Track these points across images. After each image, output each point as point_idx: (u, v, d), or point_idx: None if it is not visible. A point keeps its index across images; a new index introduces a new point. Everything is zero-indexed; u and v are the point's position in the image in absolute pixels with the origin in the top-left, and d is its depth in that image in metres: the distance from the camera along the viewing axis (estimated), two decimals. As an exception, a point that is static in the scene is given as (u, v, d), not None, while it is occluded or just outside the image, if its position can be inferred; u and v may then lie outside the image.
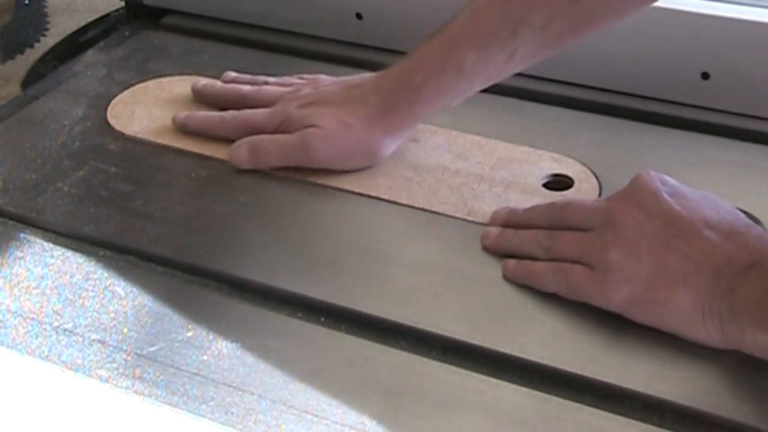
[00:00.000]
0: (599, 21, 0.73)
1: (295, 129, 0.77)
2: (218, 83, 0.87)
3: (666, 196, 0.64)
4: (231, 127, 0.80)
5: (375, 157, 0.77)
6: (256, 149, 0.77)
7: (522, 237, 0.68)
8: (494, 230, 0.70)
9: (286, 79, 0.84)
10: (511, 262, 0.67)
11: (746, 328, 0.58)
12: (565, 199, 0.71)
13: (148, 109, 0.86)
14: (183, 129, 0.82)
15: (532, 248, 0.67)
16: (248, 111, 0.81)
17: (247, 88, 0.84)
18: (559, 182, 0.77)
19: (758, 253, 0.59)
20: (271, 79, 0.85)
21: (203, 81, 0.87)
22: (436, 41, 0.74)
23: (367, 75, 0.79)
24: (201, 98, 0.86)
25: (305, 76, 0.84)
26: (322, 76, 0.83)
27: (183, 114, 0.83)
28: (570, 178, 0.76)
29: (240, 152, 0.78)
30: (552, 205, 0.69)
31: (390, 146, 0.77)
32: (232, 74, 0.87)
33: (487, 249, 0.69)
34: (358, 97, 0.76)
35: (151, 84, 0.89)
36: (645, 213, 0.63)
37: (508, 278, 0.67)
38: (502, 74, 0.75)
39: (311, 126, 0.76)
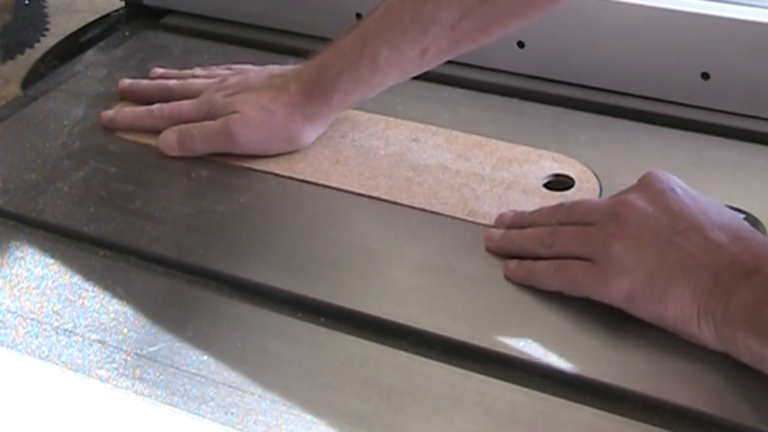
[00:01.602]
0: (508, 21, 0.75)
1: (221, 116, 0.79)
2: (144, 81, 0.88)
3: (674, 194, 0.64)
4: (160, 119, 0.82)
5: (296, 143, 0.80)
6: (182, 136, 0.80)
7: (525, 236, 0.68)
8: (498, 232, 0.70)
9: (214, 70, 0.87)
10: (513, 262, 0.67)
11: (738, 332, 0.58)
12: (572, 200, 0.71)
13: None
14: (111, 125, 0.83)
15: (534, 246, 0.67)
16: (176, 103, 0.83)
17: (173, 81, 0.86)
18: (559, 182, 0.76)
19: (761, 259, 0.59)
20: (198, 71, 0.87)
21: (128, 80, 0.88)
22: (351, 36, 0.77)
23: (290, 66, 0.82)
24: (129, 96, 0.87)
25: (233, 66, 0.87)
26: (249, 66, 0.86)
27: (110, 111, 0.84)
28: (571, 178, 0.76)
29: (168, 139, 0.80)
30: (559, 206, 0.69)
31: (310, 133, 0.80)
32: (160, 70, 0.89)
33: (490, 251, 0.69)
34: (280, 85, 0.79)
35: None
36: (652, 208, 0.63)
37: (510, 279, 0.67)
38: (416, 70, 0.78)
39: (234, 113, 0.78)
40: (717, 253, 0.60)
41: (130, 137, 0.82)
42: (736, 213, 0.65)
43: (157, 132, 0.82)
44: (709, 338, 0.60)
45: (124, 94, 0.87)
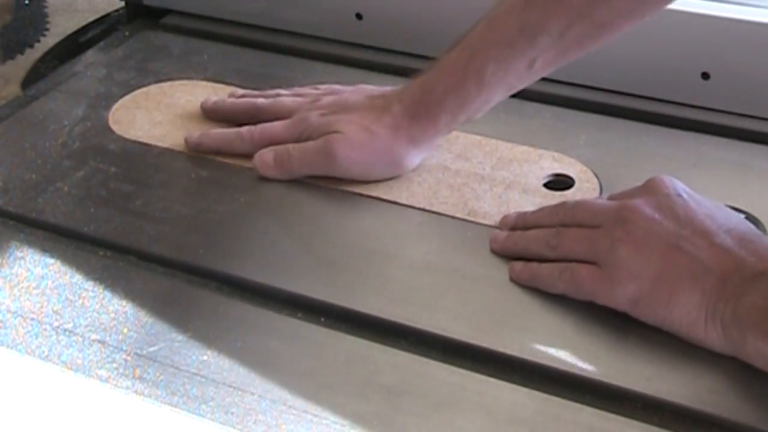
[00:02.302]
0: (617, 25, 0.72)
1: (318, 137, 0.76)
2: (229, 99, 0.84)
3: (680, 199, 0.64)
4: (250, 142, 0.78)
5: (399, 167, 0.76)
6: (279, 156, 0.76)
7: (529, 237, 0.68)
8: (502, 233, 0.70)
9: (301, 90, 0.83)
10: (518, 264, 0.67)
11: (748, 335, 0.58)
12: (575, 199, 0.71)
13: (149, 113, 0.86)
14: (198, 149, 0.80)
15: (539, 248, 0.67)
16: (267, 124, 0.79)
17: (261, 100, 0.82)
18: (560, 182, 0.77)
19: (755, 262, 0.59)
20: (283, 91, 0.83)
21: (213, 98, 0.85)
22: (455, 53, 0.74)
23: (387, 88, 0.79)
24: (213, 116, 0.84)
25: (320, 87, 0.83)
26: (338, 86, 0.82)
27: (196, 133, 0.80)
28: (571, 178, 0.76)
29: (265, 158, 0.77)
30: (562, 205, 0.69)
31: (415, 157, 0.76)
32: (241, 92, 0.86)
33: (495, 252, 0.69)
34: (382, 106, 0.76)
35: (153, 89, 0.89)
36: (658, 213, 0.63)
37: (515, 281, 0.67)
38: (523, 83, 0.74)
39: (335, 132, 0.75)
40: (724, 257, 0.60)
41: (130, 137, 0.83)
42: (742, 217, 0.65)
43: (161, 130, 0.81)
44: (716, 342, 0.60)
45: (207, 114, 0.84)
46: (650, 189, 0.65)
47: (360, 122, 0.75)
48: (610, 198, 0.68)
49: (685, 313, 0.60)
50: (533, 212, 0.71)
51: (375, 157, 0.75)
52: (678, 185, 0.65)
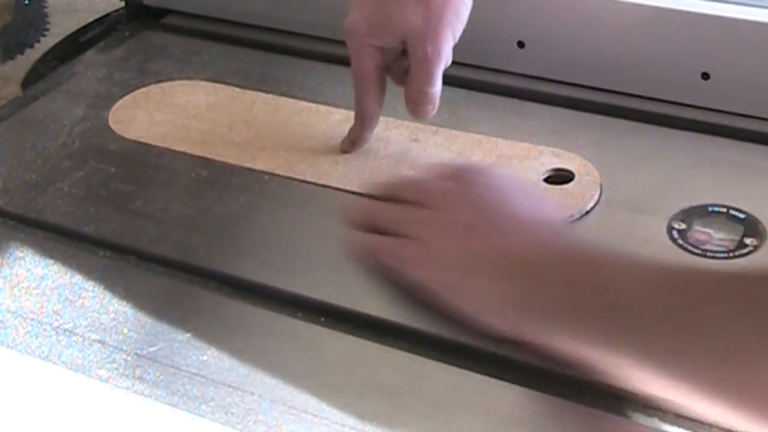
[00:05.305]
0: None
1: None
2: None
3: (483, 187, 0.63)
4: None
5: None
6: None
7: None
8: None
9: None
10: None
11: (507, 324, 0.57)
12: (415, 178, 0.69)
13: (149, 113, 0.86)
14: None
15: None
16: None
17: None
18: (560, 176, 0.76)
19: (549, 250, 0.58)
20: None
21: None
22: None
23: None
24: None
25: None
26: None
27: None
28: (570, 172, 0.76)
29: None
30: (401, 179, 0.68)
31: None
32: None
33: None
34: None
35: (153, 89, 0.89)
36: (460, 201, 0.63)
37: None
38: None
39: None
40: (512, 244, 0.59)
41: (130, 137, 0.83)
42: (545, 198, 0.64)
43: (161, 130, 0.81)
44: (507, 329, 0.58)
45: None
46: (460, 177, 0.64)
47: None
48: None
49: (479, 297, 0.58)
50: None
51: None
52: (483, 173, 0.64)
